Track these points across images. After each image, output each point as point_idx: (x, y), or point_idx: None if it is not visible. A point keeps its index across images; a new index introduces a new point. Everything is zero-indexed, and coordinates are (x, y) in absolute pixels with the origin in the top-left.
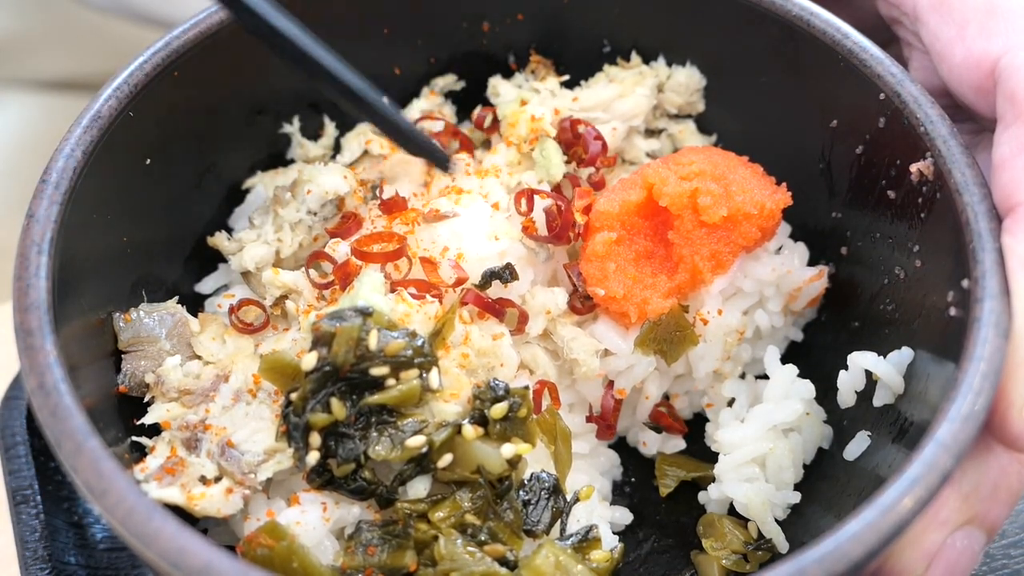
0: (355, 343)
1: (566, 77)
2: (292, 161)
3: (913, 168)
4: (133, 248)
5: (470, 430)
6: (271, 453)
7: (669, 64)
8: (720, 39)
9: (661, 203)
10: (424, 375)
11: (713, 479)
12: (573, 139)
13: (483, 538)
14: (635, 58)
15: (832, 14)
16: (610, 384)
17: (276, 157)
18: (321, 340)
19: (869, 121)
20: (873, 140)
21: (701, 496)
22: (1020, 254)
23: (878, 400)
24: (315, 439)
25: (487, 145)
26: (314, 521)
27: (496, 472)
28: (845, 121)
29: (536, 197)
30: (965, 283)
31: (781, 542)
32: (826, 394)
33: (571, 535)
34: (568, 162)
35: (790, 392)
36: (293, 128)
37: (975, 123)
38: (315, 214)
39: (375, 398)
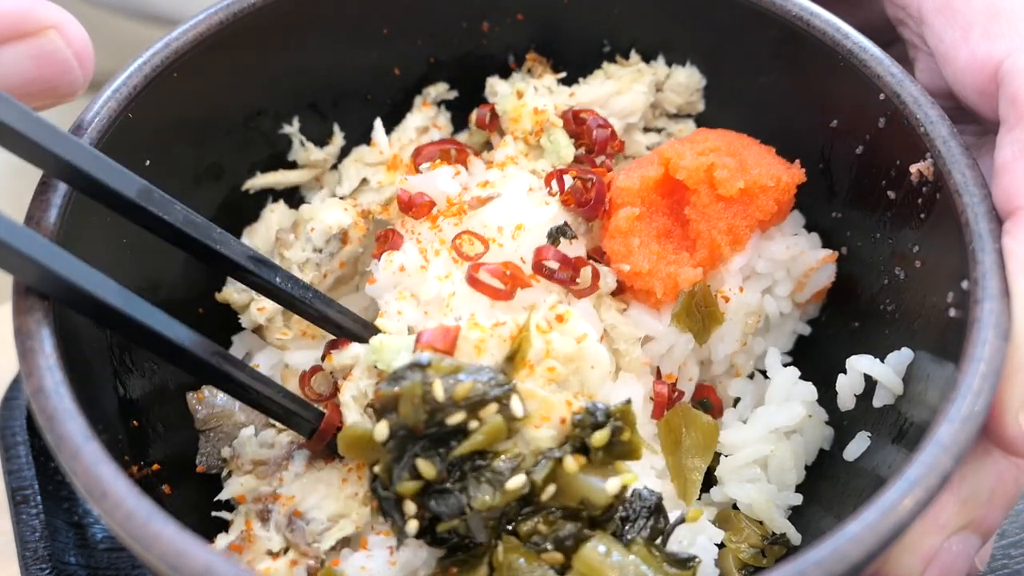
0: (421, 399)
1: (563, 74)
2: (294, 163)
3: (913, 168)
4: (133, 250)
5: (571, 462)
6: (335, 519)
7: (669, 64)
8: (720, 39)
9: (678, 176)
10: (505, 405)
11: (715, 479)
12: (577, 128)
13: (546, 546)
14: (634, 56)
15: (833, 14)
16: (657, 373)
17: (276, 158)
18: (386, 406)
19: (869, 121)
20: (873, 140)
21: (704, 498)
22: (1021, 257)
23: (878, 401)
24: (410, 507)
25: (488, 146)
26: (379, 567)
27: (601, 505)
28: (845, 121)
29: (566, 176)
30: (965, 284)
31: (793, 534)
32: (826, 393)
33: (669, 554)
34: (576, 148)
35: (792, 394)
36: (293, 129)
37: (979, 125)
38: (320, 251)
39: (461, 448)
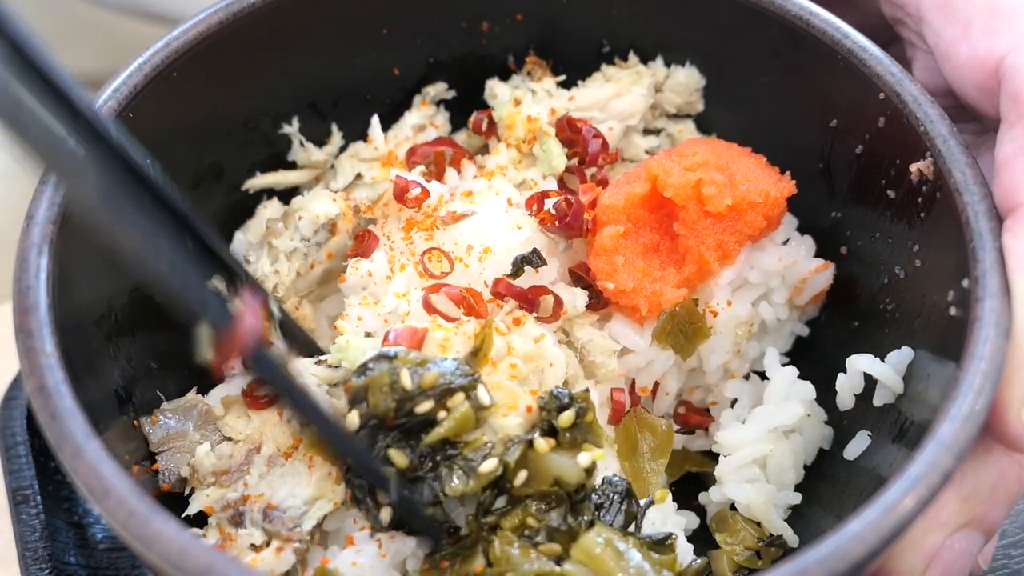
0: (390, 388)
1: (562, 77)
2: (294, 163)
3: (913, 168)
4: None
5: (543, 443)
6: (311, 501)
7: (668, 64)
8: (720, 39)
9: (665, 194)
10: (472, 395)
11: (714, 478)
12: (572, 137)
13: (539, 539)
14: (632, 58)
15: (833, 14)
16: (632, 383)
17: (276, 158)
18: (356, 397)
19: (869, 121)
20: (873, 140)
21: (702, 497)
22: (1021, 254)
23: (878, 400)
24: (383, 496)
25: (485, 150)
26: (370, 559)
27: (574, 482)
28: (845, 121)
29: (546, 199)
30: (965, 282)
31: (790, 536)
32: (826, 393)
33: (646, 537)
34: (569, 158)
35: (790, 394)
36: (292, 128)
37: (979, 123)
38: (308, 240)
39: (432, 436)
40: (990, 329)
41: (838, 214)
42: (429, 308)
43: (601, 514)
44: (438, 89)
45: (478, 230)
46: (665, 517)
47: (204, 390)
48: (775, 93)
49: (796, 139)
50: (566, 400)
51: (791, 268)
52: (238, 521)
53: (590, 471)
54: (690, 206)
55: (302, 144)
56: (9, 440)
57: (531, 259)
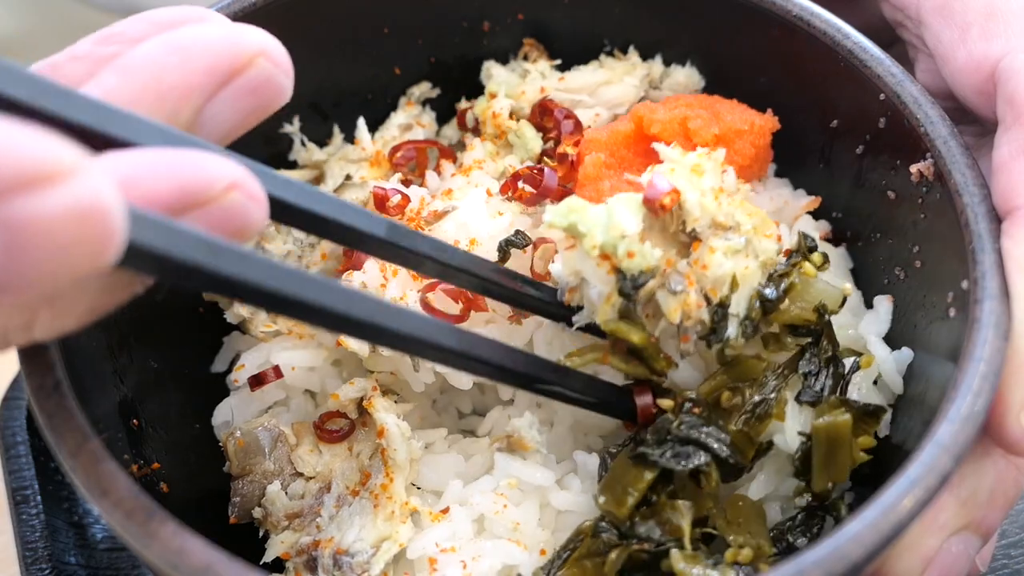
0: None
1: (558, 61)
2: (295, 163)
3: (913, 169)
4: None
5: (811, 266)
6: (378, 544)
7: (668, 64)
8: (720, 39)
9: (652, 131)
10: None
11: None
12: (546, 123)
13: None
14: (632, 53)
15: (833, 15)
16: None
17: (277, 157)
18: None
19: (869, 121)
20: (873, 140)
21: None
22: (1019, 258)
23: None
24: None
25: (463, 147)
26: None
27: (835, 308)
28: (845, 121)
29: (518, 180)
30: (965, 284)
31: (897, 382)
32: None
33: (855, 403)
34: (545, 142)
35: None
36: (293, 128)
37: (980, 125)
38: (301, 242)
39: None
40: (989, 331)
41: (838, 214)
42: (428, 308)
43: (813, 382)
44: (423, 89)
45: (461, 223)
46: (868, 383)
47: (210, 396)
48: (775, 93)
49: (796, 139)
50: (812, 243)
51: (783, 209)
52: (312, 567)
53: (846, 299)
54: (677, 142)
55: (303, 143)
56: (9, 440)
57: (516, 241)
